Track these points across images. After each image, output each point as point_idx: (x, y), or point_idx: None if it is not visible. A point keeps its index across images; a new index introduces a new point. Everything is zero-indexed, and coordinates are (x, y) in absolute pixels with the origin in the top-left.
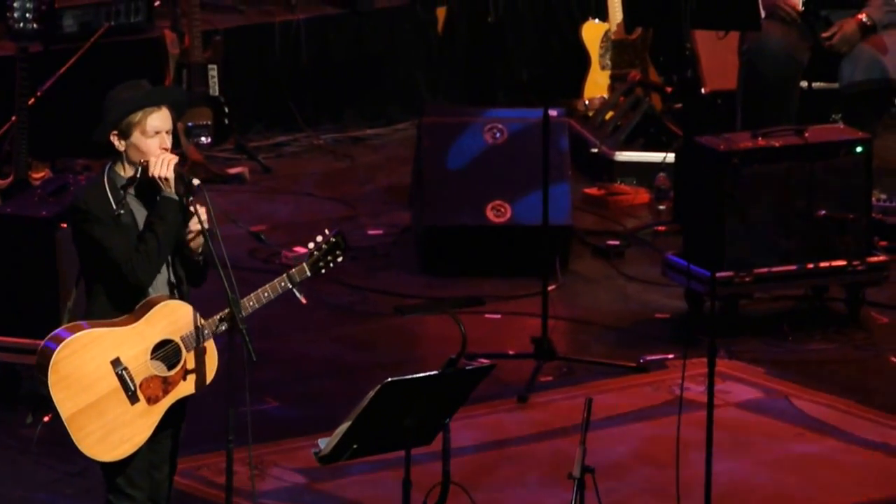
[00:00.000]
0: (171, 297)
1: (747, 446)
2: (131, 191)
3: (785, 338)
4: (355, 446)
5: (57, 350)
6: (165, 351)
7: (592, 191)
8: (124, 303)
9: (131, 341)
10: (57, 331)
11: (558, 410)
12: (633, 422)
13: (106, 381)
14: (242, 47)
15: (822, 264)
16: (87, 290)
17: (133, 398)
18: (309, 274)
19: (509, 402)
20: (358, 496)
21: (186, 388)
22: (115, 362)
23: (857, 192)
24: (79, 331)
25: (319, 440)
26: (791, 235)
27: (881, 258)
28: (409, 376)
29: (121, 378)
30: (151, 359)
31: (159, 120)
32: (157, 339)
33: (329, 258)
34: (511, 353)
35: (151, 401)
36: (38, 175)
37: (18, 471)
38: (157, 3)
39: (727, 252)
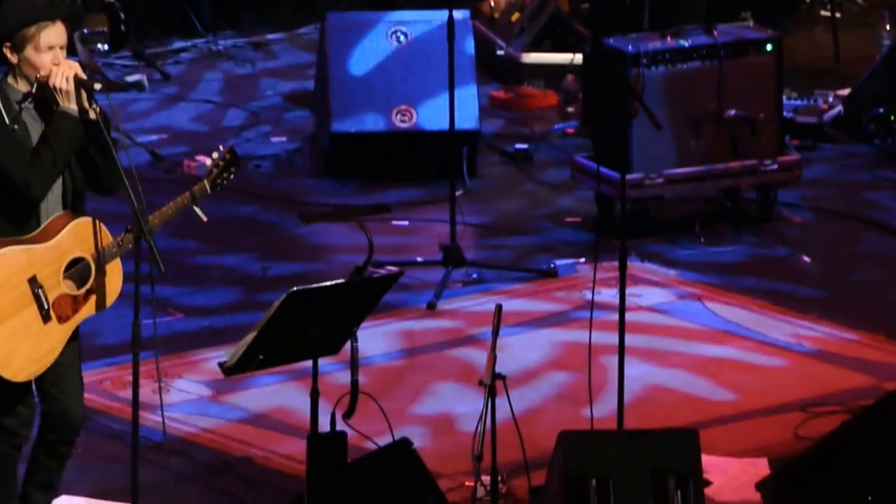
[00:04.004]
0: (68, 212)
1: (660, 349)
2: (27, 106)
3: (697, 239)
4: (261, 357)
5: None
6: (77, 269)
7: (499, 94)
8: (15, 217)
9: (46, 259)
10: None
11: (468, 317)
12: (544, 327)
13: (23, 300)
14: None
15: (733, 165)
16: None
17: (46, 317)
18: (209, 191)
19: (418, 310)
20: (265, 407)
21: (93, 306)
22: (32, 281)
23: (767, 91)
24: None
25: (225, 351)
26: (701, 136)
27: (793, 157)
28: (315, 285)
29: (37, 297)
30: (64, 277)
31: (53, 35)
32: (70, 257)
33: (225, 174)
34: (419, 260)
35: (62, 319)
36: None
37: None
38: None
39: (636, 154)
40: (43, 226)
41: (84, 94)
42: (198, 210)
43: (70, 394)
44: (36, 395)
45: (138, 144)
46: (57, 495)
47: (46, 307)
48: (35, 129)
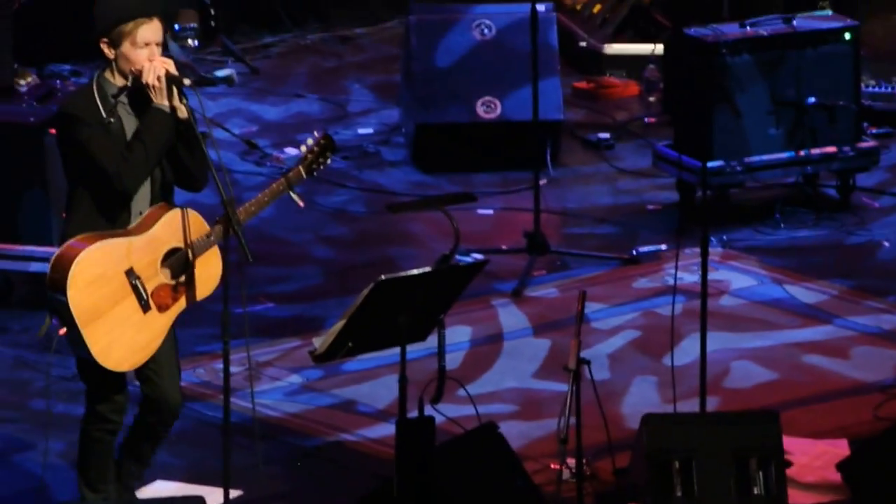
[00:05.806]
0: (164, 203)
1: (742, 333)
2: (123, 100)
3: (777, 225)
4: (350, 344)
5: (75, 262)
6: (175, 259)
7: (582, 84)
8: (108, 211)
9: (143, 250)
10: (70, 242)
11: (552, 304)
12: (627, 313)
13: (121, 292)
14: None
15: (813, 151)
16: (70, 197)
17: (146, 307)
18: (304, 176)
19: (503, 297)
20: (354, 394)
21: (194, 294)
22: (129, 272)
23: (845, 78)
24: (92, 242)
25: (314, 339)
26: (781, 124)
27: (871, 144)
28: (403, 273)
29: (135, 288)
30: (161, 267)
31: (150, 32)
32: (167, 248)
33: (321, 160)
34: (504, 248)
35: (162, 308)
36: (24, 81)
37: (14, 377)
38: None
39: (717, 142)
40: (140, 218)
41: (175, 92)
42: (294, 195)
43: (167, 379)
44: (136, 380)
45: (235, 136)
46: (147, 467)
47: (145, 297)
48: (129, 123)
